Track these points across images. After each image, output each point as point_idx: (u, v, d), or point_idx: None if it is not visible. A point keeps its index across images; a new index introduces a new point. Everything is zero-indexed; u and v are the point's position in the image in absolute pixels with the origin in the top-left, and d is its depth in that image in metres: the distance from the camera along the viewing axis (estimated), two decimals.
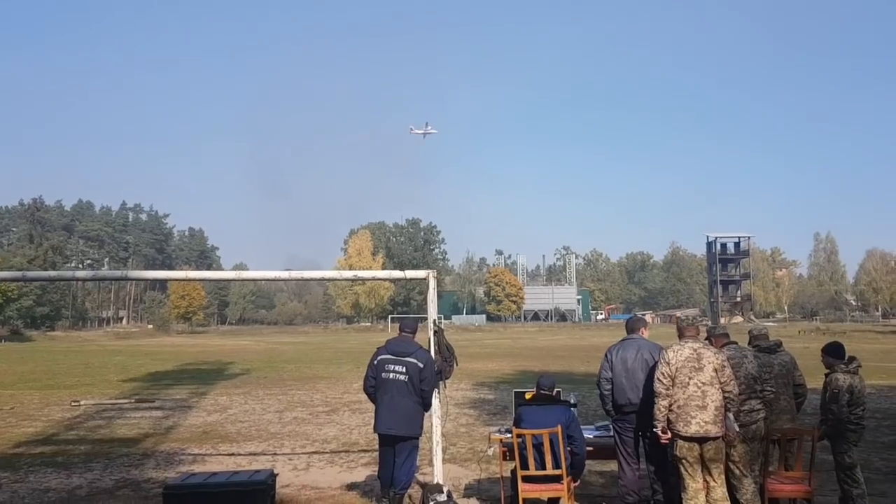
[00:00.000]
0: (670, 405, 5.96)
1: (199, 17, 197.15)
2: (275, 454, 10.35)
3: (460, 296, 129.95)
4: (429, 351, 7.11)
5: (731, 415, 5.97)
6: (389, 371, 6.89)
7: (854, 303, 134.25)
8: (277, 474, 7.13)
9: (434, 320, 7.38)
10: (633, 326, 7.01)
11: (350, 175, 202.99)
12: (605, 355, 6.79)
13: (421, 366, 6.85)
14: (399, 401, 6.81)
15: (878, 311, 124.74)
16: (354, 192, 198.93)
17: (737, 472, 6.17)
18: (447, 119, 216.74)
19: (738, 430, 6.02)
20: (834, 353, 6.90)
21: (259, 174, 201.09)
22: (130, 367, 27.78)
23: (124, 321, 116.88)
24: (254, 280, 14.32)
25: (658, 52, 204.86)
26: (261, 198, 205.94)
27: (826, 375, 6.85)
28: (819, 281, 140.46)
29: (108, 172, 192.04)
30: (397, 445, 6.85)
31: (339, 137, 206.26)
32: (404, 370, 6.85)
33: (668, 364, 6.01)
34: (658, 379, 6.00)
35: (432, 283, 7.47)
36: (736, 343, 6.82)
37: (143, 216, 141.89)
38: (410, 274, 8.10)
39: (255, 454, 10.36)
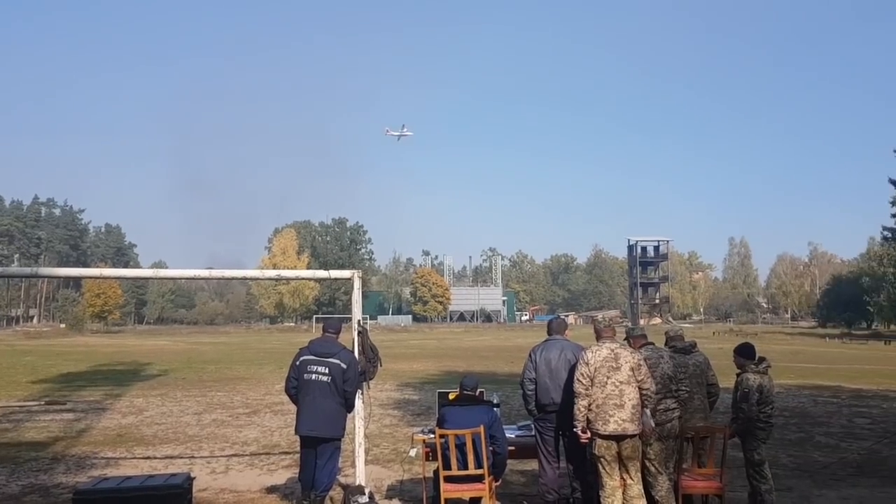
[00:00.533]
0: (589, 405, 6.09)
1: (119, 3, 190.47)
2: (192, 457, 10.07)
3: (386, 296, 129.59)
4: (352, 352, 7.05)
5: (647, 411, 6.14)
6: (312, 372, 6.80)
7: (765, 305, 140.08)
8: (194, 478, 6.94)
9: (359, 321, 7.31)
10: (555, 328, 7.11)
11: (276, 173, 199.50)
12: (529, 356, 6.87)
13: (344, 367, 6.79)
14: (321, 402, 6.72)
15: (787, 313, 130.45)
16: (280, 191, 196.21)
17: (652, 469, 6.35)
18: (375, 118, 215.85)
19: (653, 426, 6.19)
20: (745, 354, 7.17)
21: (181, 170, 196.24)
22: (41, 368, 26.56)
23: (35, 320, 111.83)
24: (172, 278, 13.93)
25: (584, 55, 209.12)
26: (182, 194, 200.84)
27: (737, 375, 7.10)
28: (733, 284, 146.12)
29: (19, 165, 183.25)
30: (319, 447, 6.76)
31: (264, 134, 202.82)
32: (327, 371, 6.77)
33: (587, 364, 6.13)
34: (577, 379, 6.12)
35: (357, 284, 7.41)
36: (653, 344, 7.00)
37: (57, 211, 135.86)
38: (335, 274, 8.02)
39: (171, 457, 10.06)
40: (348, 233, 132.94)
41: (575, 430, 6.12)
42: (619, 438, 6.04)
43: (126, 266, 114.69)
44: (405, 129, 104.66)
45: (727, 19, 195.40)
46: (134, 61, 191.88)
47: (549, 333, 7.06)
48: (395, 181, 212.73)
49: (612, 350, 6.20)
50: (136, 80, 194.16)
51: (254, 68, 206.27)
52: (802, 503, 6.27)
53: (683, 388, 6.76)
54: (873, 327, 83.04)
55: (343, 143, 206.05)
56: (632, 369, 6.12)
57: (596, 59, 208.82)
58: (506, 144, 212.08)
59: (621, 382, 6.08)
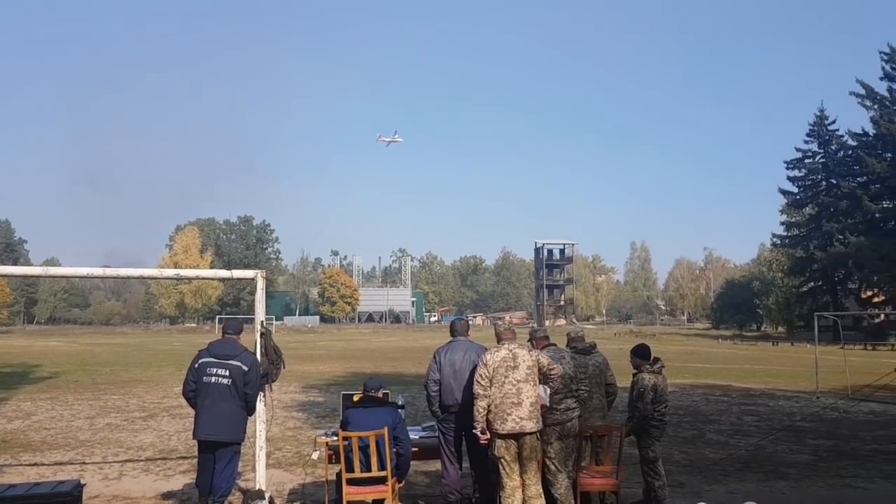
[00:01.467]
0: (489, 405, 6.16)
1: None
2: (83, 463, 9.62)
3: (294, 297, 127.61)
4: (254, 353, 6.90)
5: (542, 387, 6.28)
6: (211, 375, 6.61)
7: (663, 307, 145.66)
8: (85, 484, 6.62)
9: (262, 322, 7.16)
10: (458, 329, 7.18)
11: (179, 169, 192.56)
12: (434, 357, 6.90)
13: (245, 369, 6.63)
14: (221, 405, 6.55)
15: (683, 315, 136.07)
16: (183, 187, 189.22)
17: (552, 468, 6.49)
18: (286, 117, 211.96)
19: (546, 398, 6.33)
20: (640, 355, 7.44)
21: (77, 163, 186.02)
22: None
23: None
24: (65, 277, 13.20)
25: (494, 56, 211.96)
26: (78, 189, 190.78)
27: (633, 375, 7.36)
28: (634, 287, 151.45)
29: None
30: (218, 452, 6.58)
31: (167, 129, 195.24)
32: (227, 374, 6.60)
33: (486, 366, 6.22)
34: (477, 381, 6.19)
35: (260, 284, 7.25)
36: (555, 345, 7.16)
37: None
38: (238, 273, 7.81)
39: (61, 464, 9.58)
40: (254, 231, 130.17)
41: (474, 430, 6.19)
42: (517, 437, 6.14)
43: (15, 263, 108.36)
44: (396, 136, 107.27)
45: (634, 27, 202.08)
46: (24, 49, 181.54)
47: (453, 335, 7.12)
48: (304, 180, 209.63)
49: (511, 350, 6.31)
50: (27, 69, 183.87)
51: (157, 61, 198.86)
52: (693, 498, 6.55)
53: (583, 387, 6.95)
54: (762, 329, 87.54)
55: (251, 140, 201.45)
56: (529, 367, 6.24)
57: (507, 63, 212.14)
58: (417, 145, 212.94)
59: (519, 381, 6.18)
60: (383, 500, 6.37)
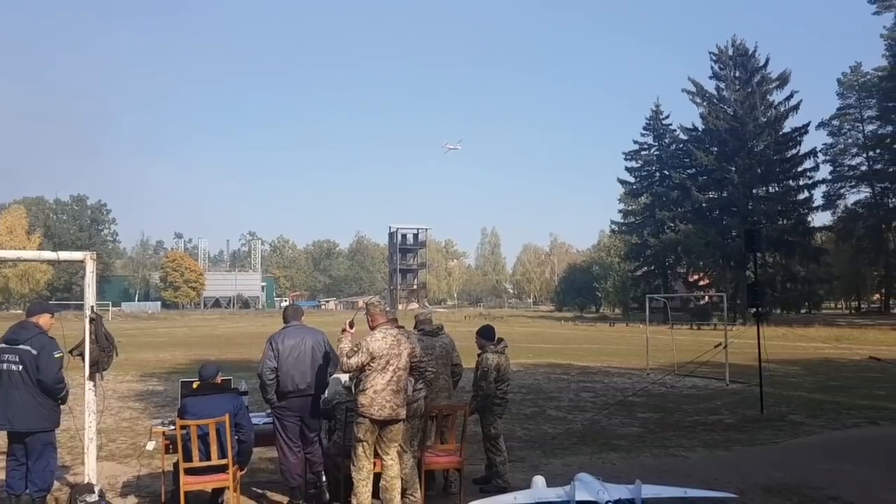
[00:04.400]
0: (365, 389, 6.05)
1: None
2: None
3: (133, 281, 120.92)
4: (51, 337, 6.43)
5: (411, 379, 6.33)
6: (3, 361, 6.14)
7: (511, 291, 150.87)
8: None
9: (92, 307, 6.70)
10: (291, 314, 7.05)
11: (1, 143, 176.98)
12: (270, 344, 6.65)
13: (35, 353, 6.16)
14: (13, 394, 6.09)
15: (530, 298, 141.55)
16: (6, 162, 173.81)
17: (399, 449, 6.54)
18: (123, 90, 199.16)
19: (410, 393, 6.40)
20: (485, 335, 7.64)
21: None
22: None
23: None
24: None
25: (344, 39, 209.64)
26: None
27: (478, 355, 7.55)
28: (484, 271, 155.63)
29: None
30: (27, 444, 6.14)
31: None
32: (17, 359, 6.14)
33: (368, 352, 6.06)
34: (355, 367, 6.05)
35: (90, 266, 6.77)
36: (402, 327, 7.20)
37: None
38: (65, 255, 7.25)
39: None
40: (89, 212, 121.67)
41: (352, 412, 6.10)
42: (391, 423, 6.11)
43: None
44: (458, 144, 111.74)
45: (483, 18, 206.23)
46: None
47: (286, 321, 6.93)
48: (144, 159, 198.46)
49: (395, 337, 6.21)
50: None
51: None
52: (532, 472, 6.82)
53: (430, 368, 7.05)
54: (601, 311, 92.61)
55: (85, 114, 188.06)
56: (409, 355, 6.24)
57: (358, 44, 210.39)
58: (268, 125, 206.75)
59: (400, 369, 6.15)
60: (224, 488, 6.18)
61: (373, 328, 6.23)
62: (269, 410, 7.68)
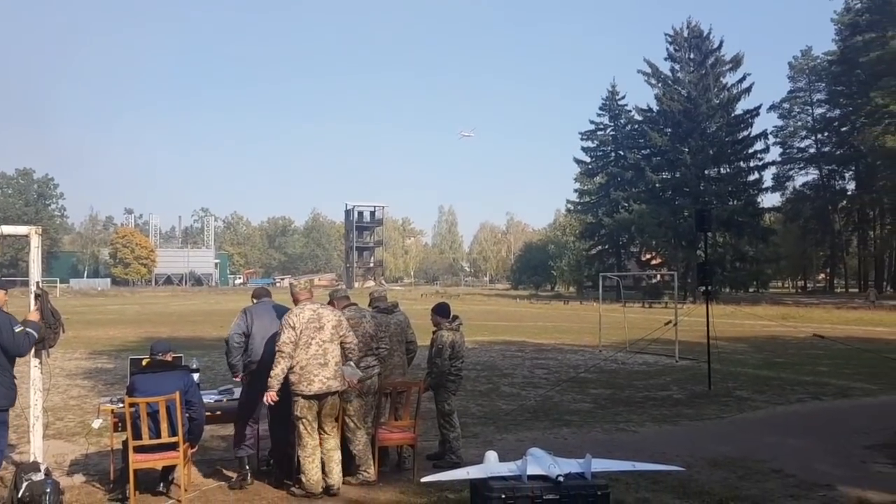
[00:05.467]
0: (293, 367, 6.08)
1: None
2: None
3: (82, 258, 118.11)
4: (4, 311, 6.25)
5: (351, 363, 6.31)
6: None
7: (468, 269, 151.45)
8: None
9: (37, 283, 6.52)
10: (260, 293, 7.12)
11: None
12: (244, 313, 6.72)
13: None
14: None
15: (486, 276, 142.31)
16: None
17: (351, 425, 6.56)
18: (70, 62, 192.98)
19: (360, 374, 6.38)
20: (440, 313, 7.66)
21: None
22: None
23: None
24: None
25: (298, 14, 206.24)
26: None
27: (433, 332, 7.57)
28: (441, 249, 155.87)
29: None
30: None
31: None
32: None
33: (292, 328, 6.11)
34: (284, 342, 6.06)
35: (35, 241, 6.57)
36: (356, 304, 7.18)
37: None
38: (8, 230, 7.02)
39: None
40: (35, 186, 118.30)
41: (270, 391, 6.07)
42: (322, 397, 6.13)
43: None
44: (472, 131, 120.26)
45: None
46: None
47: (257, 297, 7.02)
48: (93, 132, 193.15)
49: (315, 311, 6.25)
50: None
51: None
52: (485, 447, 6.88)
53: (384, 346, 7.06)
54: (556, 289, 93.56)
55: (31, 86, 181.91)
56: (334, 327, 6.23)
57: (313, 20, 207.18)
58: (222, 99, 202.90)
59: (325, 341, 6.16)
60: (174, 466, 6.12)
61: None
62: (220, 388, 7.63)
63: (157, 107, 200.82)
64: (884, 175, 58.90)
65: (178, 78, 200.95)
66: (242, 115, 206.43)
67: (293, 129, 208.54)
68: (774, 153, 72.96)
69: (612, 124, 70.99)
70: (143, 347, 18.58)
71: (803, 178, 78.16)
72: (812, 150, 76.30)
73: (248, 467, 6.58)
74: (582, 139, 72.29)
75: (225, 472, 6.99)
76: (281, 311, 6.69)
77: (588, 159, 72.48)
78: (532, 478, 4.93)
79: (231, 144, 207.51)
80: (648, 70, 62.65)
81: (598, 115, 71.56)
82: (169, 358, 6.39)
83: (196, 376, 6.90)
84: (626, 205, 63.98)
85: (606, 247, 71.47)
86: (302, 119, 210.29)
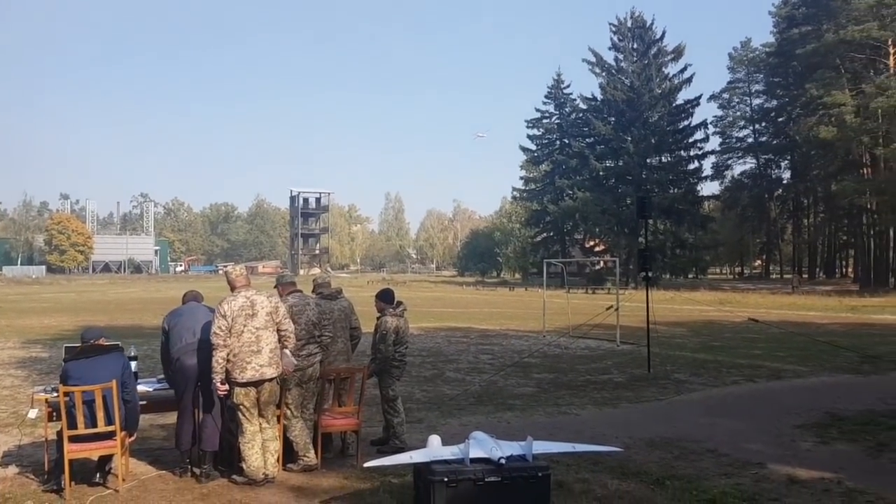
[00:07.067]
0: (228, 355, 6.01)
1: None
2: None
3: (14, 244, 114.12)
4: None
5: (287, 351, 6.25)
6: None
7: (415, 256, 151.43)
8: None
9: None
10: (187, 297, 6.97)
11: None
12: (167, 315, 6.69)
13: None
14: None
15: (433, 263, 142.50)
16: None
17: (288, 413, 6.53)
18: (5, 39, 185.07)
19: (295, 363, 6.33)
20: (384, 299, 7.65)
21: None
22: None
23: None
24: None
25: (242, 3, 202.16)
26: None
27: (377, 319, 7.56)
28: (388, 236, 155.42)
29: None
30: None
31: None
32: None
33: (224, 317, 6.02)
34: (215, 332, 5.98)
35: None
36: (301, 291, 7.12)
37: None
38: None
39: None
40: None
41: (213, 381, 6.00)
42: (257, 384, 6.08)
43: None
44: (485, 133, 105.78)
45: None
46: None
47: (185, 302, 6.87)
48: (25, 115, 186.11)
49: (248, 298, 6.17)
50: None
51: None
52: (429, 432, 6.90)
53: (327, 333, 7.01)
54: (502, 276, 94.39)
55: None
56: (269, 314, 6.17)
57: (257, 7, 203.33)
58: (162, 83, 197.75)
59: (258, 328, 6.09)
60: (111, 455, 5.99)
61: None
62: (159, 376, 7.47)
63: (94, 90, 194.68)
64: (818, 164, 60.87)
65: (115, 60, 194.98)
66: (183, 98, 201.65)
67: (236, 114, 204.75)
68: (714, 142, 74.92)
69: (558, 113, 71.70)
70: (79, 336, 18.05)
71: (741, 166, 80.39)
72: (750, 140, 78.39)
73: (194, 461, 6.46)
74: (528, 127, 72.97)
75: (162, 461, 6.87)
76: (206, 314, 6.57)
77: (534, 147, 73.15)
78: (474, 461, 4.99)
79: (171, 128, 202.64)
80: (593, 59, 63.49)
81: (544, 103, 72.28)
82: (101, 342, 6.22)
83: (134, 364, 6.76)
84: (570, 192, 64.80)
85: (551, 234, 72.29)
86: (245, 103, 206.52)
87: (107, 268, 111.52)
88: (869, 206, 51.58)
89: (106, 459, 6.09)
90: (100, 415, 5.78)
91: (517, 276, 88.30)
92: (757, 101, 77.98)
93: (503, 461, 4.94)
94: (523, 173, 77.59)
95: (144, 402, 6.53)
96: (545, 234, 73.22)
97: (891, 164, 49.41)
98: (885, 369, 13.08)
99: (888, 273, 51.93)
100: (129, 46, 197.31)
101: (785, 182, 76.10)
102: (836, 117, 47.87)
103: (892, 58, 48.72)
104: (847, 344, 16.67)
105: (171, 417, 8.02)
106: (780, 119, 71.83)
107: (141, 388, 6.68)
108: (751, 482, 6.20)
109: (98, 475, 6.11)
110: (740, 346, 17.11)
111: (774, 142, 73.76)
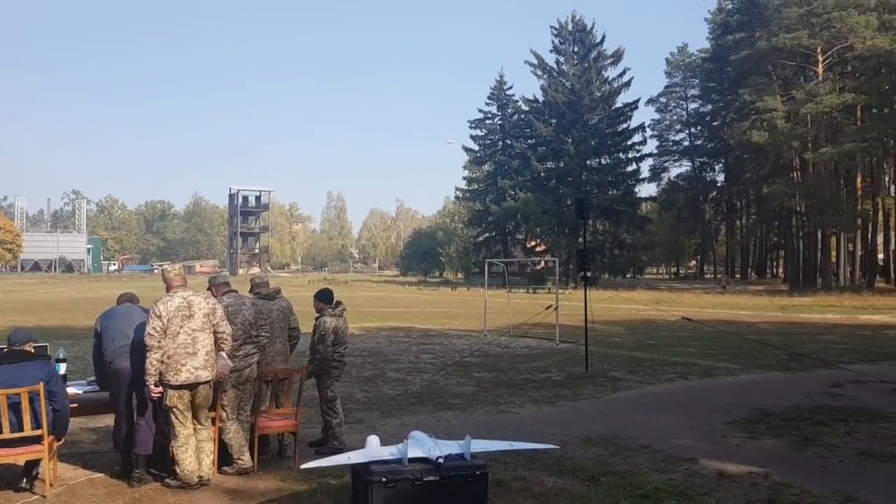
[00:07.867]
0: (162, 357, 5.88)
1: None
2: None
3: None
4: None
5: (223, 353, 6.15)
6: None
7: (357, 255, 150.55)
8: None
9: None
10: (122, 299, 6.82)
11: None
12: (99, 316, 6.53)
13: None
14: None
15: (375, 263, 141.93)
16: None
17: (223, 415, 6.41)
18: None
19: (231, 365, 6.23)
20: (323, 299, 7.59)
21: None
22: None
23: None
24: None
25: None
26: None
27: (316, 319, 7.50)
28: (329, 235, 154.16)
29: None
30: None
31: None
32: None
33: (159, 317, 5.88)
34: (150, 333, 5.83)
35: None
36: (236, 291, 7.01)
37: None
38: None
39: None
40: None
41: (147, 384, 5.86)
42: (192, 387, 5.96)
43: None
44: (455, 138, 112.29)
45: None
46: None
47: (120, 304, 6.70)
48: None
49: (185, 298, 6.05)
50: None
51: None
52: (368, 432, 6.89)
53: (264, 333, 6.91)
54: (444, 276, 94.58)
55: None
56: (206, 315, 6.06)
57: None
58: (96, 76, 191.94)
59: (194, 330, 5.98)
60: (39, 460, 5.81)
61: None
62: (89, 379, 7.27)
63: (21, 82, 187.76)
64: (750, 168, 62.80)
65: (38, 48, 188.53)
66: (117, 93, 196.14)
67: (172, 109, 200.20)
68: (651, 145, 76.69)
69: (500, 114, 72.25)
70: (5, 338, 17.38)
71: (678, 169, 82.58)
72: (686, 143, 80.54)
73: (133, 465, 6.30)
74: (471, 127, 73.29)
75: (92, 464, 6.68)
76: (141, 315, 6.43)
77: (476, 147, 73.57)
78: (413, 460, 5.01)
79: (104, 124, 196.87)
80: (535, 61, 64.17)
81: (487, 104, 72.74)
82: (29, 348, 6.02)
83: (63, 367, 6.57)
84: (512, 193, 65.37)
85: (493, 234, 72.81)
86: (182, 98, 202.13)
87: (36, 267, 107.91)
88: (798, 209, 53.45)
89: (33, 464, 5.90)
90: (26, 418, 5.60)
91: (459, 275, 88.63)
92: (693, 106, 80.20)
93: (441, 460, 4.97)
94: (466, 173, 78.01)
95: (75, 405, 6.34)
96: (487, 234, 73.68)
97: (819, 168, 51.41)
98: (812, 367, 13.58)
99: (816, 273, 53.88)
100: (59, 40, 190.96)
101: (719, 184, 78.39)
102: (768, 122, 49.46)
103: (820, 65, 50.55)
104: (776, 342, 17.26)
105: (101, 420, 7.84)
106: (715, 123, 73.86)
107: (71, 390, 6.48)
108: (683, 477, 6.37)
109: (25, 480, 5.91)
110: (675, 345, 17.53)
111: (709, 145, 75.89)
